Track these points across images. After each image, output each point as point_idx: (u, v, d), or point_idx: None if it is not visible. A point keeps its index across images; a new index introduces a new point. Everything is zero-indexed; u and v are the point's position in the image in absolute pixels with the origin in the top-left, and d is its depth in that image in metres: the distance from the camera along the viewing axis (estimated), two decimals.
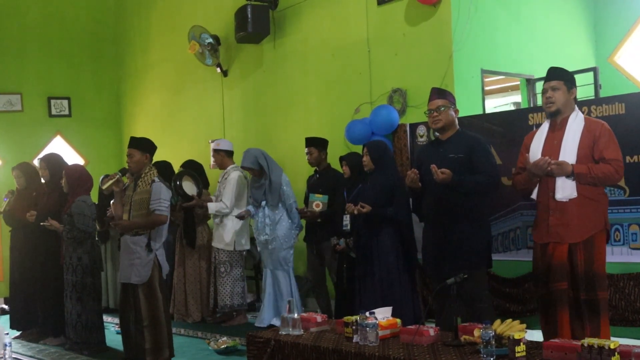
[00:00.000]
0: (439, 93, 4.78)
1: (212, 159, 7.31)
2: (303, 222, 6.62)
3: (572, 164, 4.10)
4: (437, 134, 4.85)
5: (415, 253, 5.31)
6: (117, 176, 5.45)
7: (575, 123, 4.18)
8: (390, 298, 5.05)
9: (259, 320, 6.60)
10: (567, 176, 4.10)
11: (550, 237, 4.20)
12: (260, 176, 6.42)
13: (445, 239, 4.61)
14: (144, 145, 5.43)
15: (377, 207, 5.15)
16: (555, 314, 4.13)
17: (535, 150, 4.29)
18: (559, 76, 4.25)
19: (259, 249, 6.67)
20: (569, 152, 4.13)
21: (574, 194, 4.11)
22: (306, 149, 6.57)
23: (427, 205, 4.75)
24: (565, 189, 4.13)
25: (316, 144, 6.55)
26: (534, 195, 4.34)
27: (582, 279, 4.09)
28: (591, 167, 4.08)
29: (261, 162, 6.37)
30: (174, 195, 6.49)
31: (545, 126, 4.34)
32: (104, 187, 5.76)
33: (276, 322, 6.32)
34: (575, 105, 4.27)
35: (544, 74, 7.08)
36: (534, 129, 5.34)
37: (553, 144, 4.20)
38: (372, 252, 5.23)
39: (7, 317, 7.26)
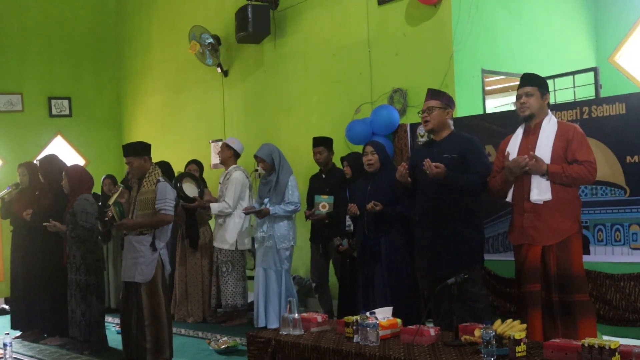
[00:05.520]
0: (432, 94, 4.76)
1: (215, 156, 7.26)
2: (308, 223, 6.59)
3: (547, 164, 4.14)
4: (430, 135, 4.85)
5: None
6: (120, 188, 5.52)
7: (549, 127, 4.25)
8: (399, 296, 5.05)
9: (255, 320, 6.55)
10: (542, 175, 4.15)
11: (524, 239, 4.24)
12: (270, 172, 6.43)
13: (439, 239, 4.60)
14: (139, 150, 5.40)
15: (387, 206, 5.16)
16: (527, 315, 4.15)
17: (511, 154, 4.33)
18: (533, 82, 4.31)
19: (255, 246, 6.66)
20: (543, 155, 4.17)
21: (549, 196, 4.15)
22: (315, 148, 6.54)
23: (420, 205, 4.76)
24: (540, 191, 4.17)
25: (326, 144, 6.55)
26: (509, 198, 4.37)
27: (555, 281, 4.12)
28: (565, 167, 4.13)
29: (274, 157, 6.38)
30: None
31: (519, 131, 4.39)
32: (110, 202, 5.83)
33: (262, 322, 6.32)
34: (549, 110, 4.34)
35: (544, 74, 7.08)
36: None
37: (527, 148, 4.25)
38: (380, 250, 5.23)
39: (8, 317, 7.26)
